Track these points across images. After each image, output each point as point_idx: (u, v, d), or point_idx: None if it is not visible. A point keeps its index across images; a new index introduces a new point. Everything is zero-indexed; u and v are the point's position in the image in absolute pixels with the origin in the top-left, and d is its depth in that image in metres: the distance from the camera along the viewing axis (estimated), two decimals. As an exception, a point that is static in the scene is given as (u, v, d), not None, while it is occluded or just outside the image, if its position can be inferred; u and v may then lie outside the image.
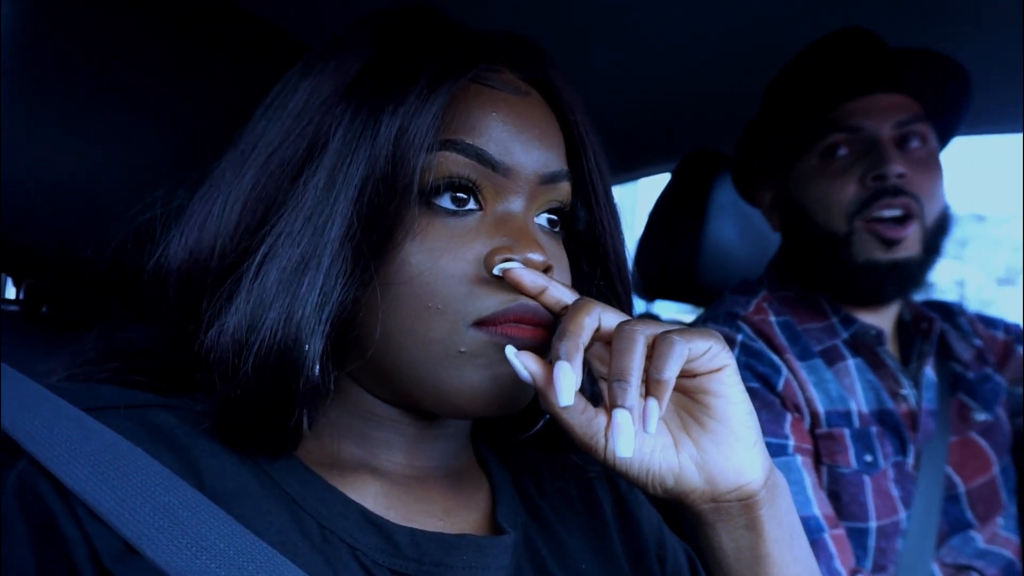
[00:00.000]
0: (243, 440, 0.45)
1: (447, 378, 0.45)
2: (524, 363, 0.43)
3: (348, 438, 0.50)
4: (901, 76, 0.93)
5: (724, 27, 1.07)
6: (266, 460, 0.46)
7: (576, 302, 0.44)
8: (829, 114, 0.94)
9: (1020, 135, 1.25)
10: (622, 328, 0.42)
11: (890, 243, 0.90)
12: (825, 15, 1.01)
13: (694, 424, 0.46)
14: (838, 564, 0.83)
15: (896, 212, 0.90)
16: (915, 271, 0.93)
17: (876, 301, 0.97)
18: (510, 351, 0.44)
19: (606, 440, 0.42)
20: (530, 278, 0.44)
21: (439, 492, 0.51)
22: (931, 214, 0.92)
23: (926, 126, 0.94)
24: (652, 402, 0.41)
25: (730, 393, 0.44)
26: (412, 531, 0.46)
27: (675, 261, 1.27)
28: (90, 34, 0.59)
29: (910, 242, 0.91)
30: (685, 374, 0.43)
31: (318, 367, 0.43)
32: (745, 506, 0.45)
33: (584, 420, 0.44)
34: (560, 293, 0.45)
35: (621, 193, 1.77)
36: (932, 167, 0.94)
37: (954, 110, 0.98)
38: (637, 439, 0.44)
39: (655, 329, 0.42)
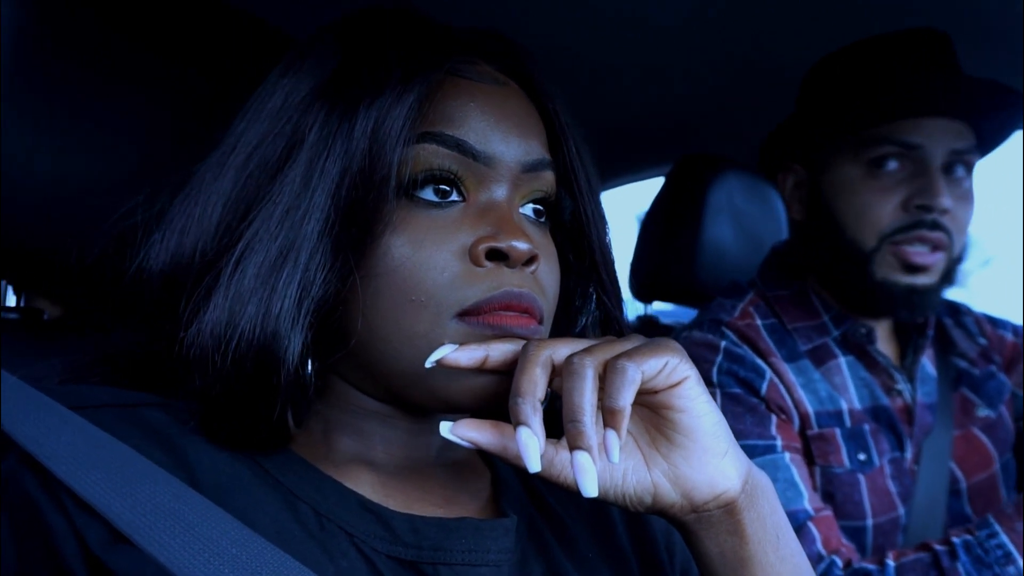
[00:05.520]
0: (229, 437, 0.45)
1: (434, 373, 0.44)
2: (463, 435, 0.43)
3: (342, 432, 0.49)
4: (967, 103, 0.88)
5: (721, 32, 1.08)
6: (259, 454, 0.46)
7: (524, 351, 0.43)
8: (885, 123, 0.88)
9: (1020, 135, 1.26)
10: (570, 362, 0.41)
11: (915, 269, 0.88)
12: (824, 21, 1.01)
13: (662, 439, 0.45)
14: (820, 547, 0.82)
15: (926, 248, 0.88)
16: (929, 296, 0.91)
17: (878, 316, 0.97)
18: (444, 428, 0.43)
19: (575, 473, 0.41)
20: (467, 356, 0.43)
21: (438, 481, 0.51)
22: (958, 246, 0.91)
23: (974, 158, 0.91)
24: (611, 433, 0.40)
25: (693, 406, 0.44)
26: (411, 517, 0.46)
27: (672, 263, 1.28)
28: (80, 39, 0.59)
29: (932, 271, 0.89)
30: (646, 391, 0.43)
31: (300, 361, 0.43)
32: (726, 512, 0.45)
33: (547, 461, 0.43)
34: (503, 348, 0.44)
35: (617, 196, 1.77)
36: (969, 201, 0.91)
37: (998, 144, 0.96)
38: (606, 467, 0.44)
39: (606, 355, 0.42)
